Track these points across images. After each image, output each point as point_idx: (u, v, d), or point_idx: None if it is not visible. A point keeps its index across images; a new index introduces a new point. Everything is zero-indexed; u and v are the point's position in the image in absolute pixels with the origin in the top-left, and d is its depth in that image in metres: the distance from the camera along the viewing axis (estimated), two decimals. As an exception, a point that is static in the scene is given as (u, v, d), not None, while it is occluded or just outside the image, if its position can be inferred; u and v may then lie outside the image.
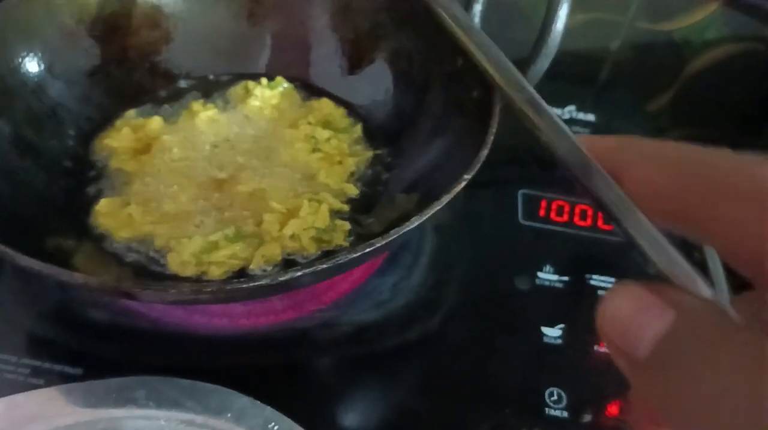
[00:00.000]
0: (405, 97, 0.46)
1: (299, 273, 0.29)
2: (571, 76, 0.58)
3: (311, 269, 0.29)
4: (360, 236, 0.40)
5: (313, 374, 0.40)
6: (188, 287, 0.29)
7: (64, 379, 0.36)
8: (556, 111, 0.54)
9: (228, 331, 0.40)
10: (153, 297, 0.30)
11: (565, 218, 0.48)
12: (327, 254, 0.39)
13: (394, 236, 0.30)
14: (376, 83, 0.47)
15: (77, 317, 0.39)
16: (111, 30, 0.46)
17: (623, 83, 0.59)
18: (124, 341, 0.38)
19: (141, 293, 0.29)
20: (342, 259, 0.29)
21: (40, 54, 0.43)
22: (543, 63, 0.37)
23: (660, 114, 0.60)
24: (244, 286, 0.28)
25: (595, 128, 0.54)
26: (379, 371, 0.40)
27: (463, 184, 0.33)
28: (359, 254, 0.30)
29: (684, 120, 0.61)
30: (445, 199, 0.32)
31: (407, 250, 0.45)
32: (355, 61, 0.48)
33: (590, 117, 0.55)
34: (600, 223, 0.47)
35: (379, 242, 0.30)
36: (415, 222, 0.31)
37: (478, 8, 0.43)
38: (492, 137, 0.36)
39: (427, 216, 0.31)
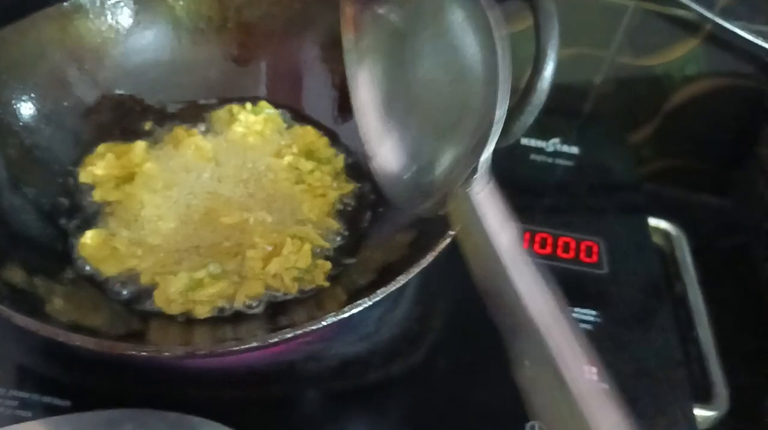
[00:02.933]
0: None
1: (289, 334, 0.31)
2: (556, 110, 0.59)
3: (302, 331, 0.31)
4: (340, 275, 0.41)
5: (299, 407, 0.41)
6: (182, 351, 0.31)
7: (53, 411, 0.37)
8: (540, 144, 0.56)
9: (214, 364, 0.40)
10: (147, 357, 0.31)
11: (548, 250, 0.49)
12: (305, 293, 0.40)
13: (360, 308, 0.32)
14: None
15: (66, 350, 0.39)
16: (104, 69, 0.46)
17: (606, 116, 0.60)
18: (112, 374, 0.39)
19: (137, 356, 0.29)
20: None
21: (34, 96, 0.43)
22: (528, 118, 0.38)
23: (642, 146, 0.61)
24: (234, 348, 0.30)
25: (578, 160, 0.55)
26: (365, 403, 0.41)
27: (448, 240, 0.34)
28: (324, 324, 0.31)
29: (665, 152, 0.62)
30: (430, 257, 0.33)
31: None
32: (347, 96, 0.48)
33: (574, 149, 0.56)
34: (582, 256, 0.48)
35: (346, 313, 0.32)
36: (380, 295, 0.32)
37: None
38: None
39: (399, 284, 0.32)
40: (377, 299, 0.32)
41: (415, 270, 0.33)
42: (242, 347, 0.31)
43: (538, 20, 0.37)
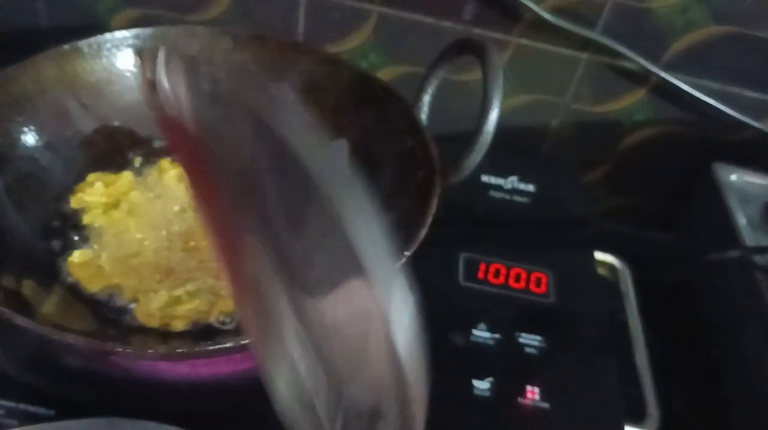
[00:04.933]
0: (359, 171, 0.51)
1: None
2: (515, 149, 0.64)
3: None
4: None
5: (272, 421, 0.44)
6: (163, 349, 0.36)
7: (37, 420, 0.40)
8: (499, 181, 0.60)
9: (192, 378, 0.44)
10: (131, 355, 0.34)
11: (501, 280, 0.53)
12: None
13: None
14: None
15: (51, 360, 0.43)
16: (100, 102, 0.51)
17: (562, 157, 0.65)
18: (95, 385, 0.42)
19: (123, 352, 0.33)
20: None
21: (34, 129, 0.48)
22: (476, 157, 0.43)
23: (595, 185, 0.66)
24: (209, 348, 0.34)
25: (534, 197, 0.60)
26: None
27: (402, 260, 0.37)
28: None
29: (616, 191, 0.67)
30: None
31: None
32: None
33: (530, 187, 0.60)
34: (532, 286, 0.53)
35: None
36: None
37: (426, 99, 0.48)
38: (431, 218, 0.41)
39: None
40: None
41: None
42: (216, 347, 0.35)
43: (486, 73, 0.42)
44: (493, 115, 0.42)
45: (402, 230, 0.44)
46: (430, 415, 0.44)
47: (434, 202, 0.42)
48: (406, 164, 0.48)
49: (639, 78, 0.60)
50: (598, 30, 0.57)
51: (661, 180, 0.65)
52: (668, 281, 0.60)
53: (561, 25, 0.56)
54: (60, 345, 0.41)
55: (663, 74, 0.58)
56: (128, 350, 0.34)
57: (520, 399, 0.46)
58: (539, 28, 0.58)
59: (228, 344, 0.35)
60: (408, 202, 0.46)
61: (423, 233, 0.41)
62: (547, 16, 0.56)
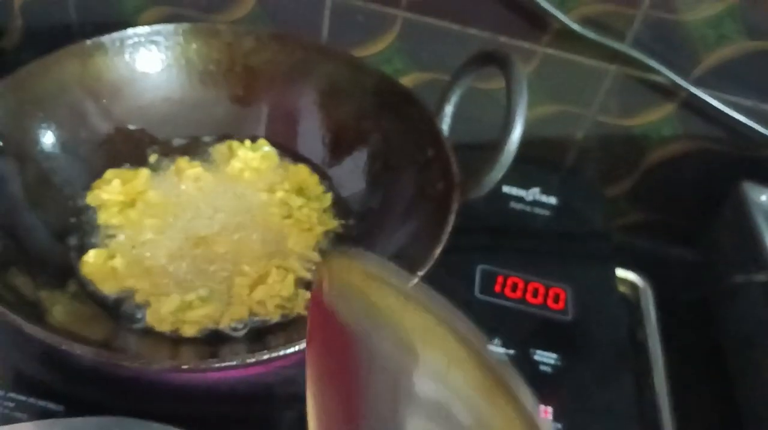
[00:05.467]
0: (378, 178, 0.51)
1: (265, 357, 0.35)
2: (538, 161, 0.63)
3: (276, 354, 0.36)
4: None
5: (277, 425, 0.43)
6: (168, 365, 0.36)
7: (46, 415, 0.40)
8: (521, 193, 0.59)
9: (198, 381, 0.43)
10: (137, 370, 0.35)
11: (519, 294, 0.52)
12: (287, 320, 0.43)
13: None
14: (354, 160, 0.52)
15: (63, 358, 0.43)
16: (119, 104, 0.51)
17: (586, 170, 0.63)
18: (105, 384, 0.42)
19: (130, 366, 0.33)
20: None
21: (54, 126, 0.48)
22: (497, 174, 0.42)
23: (618, 200, 0.65)
24: (215, 365, 0.35)
25: (556, 210, 0.59)
26: None
27: (415, 280, 0.37)
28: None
29: (640, 206, 0.65)
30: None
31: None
32: (338, 140, 0.53)
33: (552, 200, 0.59)
34: (549, 301, 0.51)
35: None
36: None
37: (449, 110, 0.48)
38: (447, 235, 0.41)
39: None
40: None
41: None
42: (222, 364, 0.35)
43: (510, 87, 0.41)
44: (517, 131, 0.41)
45: (419, 242, 0.43)
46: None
47: (451, 219, 0.42)
48: (426, 174, 0.47)
49: (668, 92, 0.58)
50: (628, 42, 0.56)
51: (688, 197, 0.64)
52: (690, 300, 0.59)
53: (588, 36, 0.55)
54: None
55: (693, 89, 0.57)
56: (134, 365, 0.34)
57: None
58: (567, 38, 0.56)
59: (233, 362, 0.35)
60: (426, 214, 0.45)
61: (438, 251, 0.40)
62: (574, 26, 0.55)
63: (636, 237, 0.65)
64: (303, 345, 0.36)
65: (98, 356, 0.34)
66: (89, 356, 0.34)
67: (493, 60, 0.44)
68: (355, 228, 0.50)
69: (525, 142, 0.64)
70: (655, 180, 0.63)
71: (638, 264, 0.59)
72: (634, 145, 0.62)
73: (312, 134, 0.54)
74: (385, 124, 0.51)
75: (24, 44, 0.67)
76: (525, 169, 0.63)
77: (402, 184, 0.49)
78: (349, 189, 0.52)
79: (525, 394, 0.21)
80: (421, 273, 0.39)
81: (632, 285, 0.57)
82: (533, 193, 0.60)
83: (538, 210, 0.59)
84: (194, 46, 0.53)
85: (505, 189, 0.60)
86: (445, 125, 0.49)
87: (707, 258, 0.62)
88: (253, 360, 0.35)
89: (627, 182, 0.64)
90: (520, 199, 0.59)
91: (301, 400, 0.45)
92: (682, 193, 0.64)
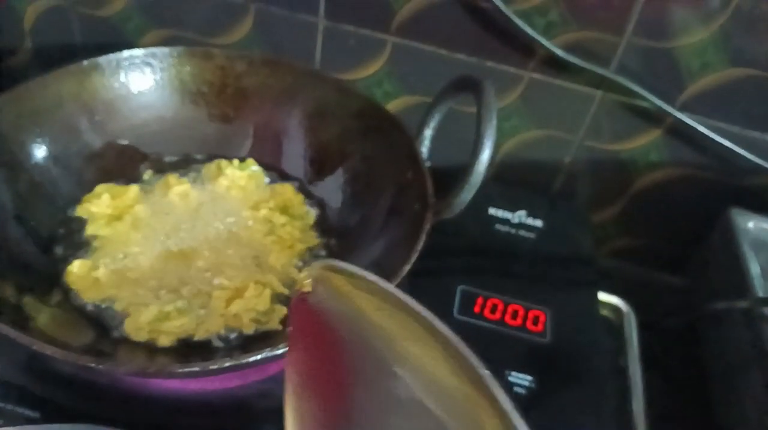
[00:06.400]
0: (358, 197, 0.52)
1: (227, 364, 0.36)
2: (525, 184, 0.63)
3: (235, 362, 0.36)
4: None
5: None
6: (134, 367, 0.37)
7: (23, 421, 0.42)
8: (507, 215, 0.60)
9: (176, 393, 0.44)
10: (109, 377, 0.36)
11: (498, 315, 0.52)
12: (261, 334, 0.44)
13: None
14: (336, 179, 0.54)
15: (42, 365, 0.44)
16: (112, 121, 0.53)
17: (573, 194, 0.64)
18: (82, 392, 0.43)
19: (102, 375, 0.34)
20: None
21: (48, 140, 0.50)
22: (467, 195, 0.43)
23: (606, 225, 0.65)
24: (178, 370, 0.36)
25: (541, 233, 0.59)
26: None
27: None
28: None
29: (628, 232, 0.66)
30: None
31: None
32: (322, 159, 0.54)
33: (538, 223, 0.60)
34: (528, 324, 0.52)
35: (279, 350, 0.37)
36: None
37: (428, 133, 0.49)
38: (416, 255, 0.42)
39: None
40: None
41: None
42: (184, 370, 0.36)
43: (480, 111, 0.42)
44: (485, 155, 0.42)
45: (391, 258, 0.44)
46: None
47: (422, 237, 0.43)
48: (404, 195, 0.48)
49: (654, 118, 0.59)
50: (612, 68, 0.57)
51: (675, 223, 0.64)
52: (674, 327, 0.59)
53: (573, 61, 0.56)
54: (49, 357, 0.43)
55: (679, 115, 0.57)
56: (100, 367, 0.35)
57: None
58: (553, 63, 0.58)
59: (195, 368, 0.35)
60: (402, 232, 0.46)
61: (407, 268, 0.41)
62: (559, 52, 0.56)
63: (623, 262, 0.66)
64: (264, 355, 0.37)
65: (67, 358, 0.35)
66: (60, 358, 0.35)
67: (467, 85, 0.45)
68: (337, 246, 0.51)
69: (513, 166, 0.65)
70: (643, 206, 0.64)
71: (623, 289, 0.59)
72: (621, 170, 0.62)
73: (297, 154, 0.56)
74: (368, 145, 0.53)
75: (31, 63, 0.69)
76: (513, 192, 0.64)
77: (381, 203, 0.50)
78: (330, 207, 0.53)
79: (501, 392, 0.22)
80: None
81: (616, 309, 0.58)
82: (519, 216, 0.61)
83: (523, 233, 0.60)
84: (188, 68, 0.55)
85: (492, 211, 0.60)
86: (425, 148, 0.51)
87: (693, 284, 0.61)
88: (215, 367, 0.36)
89: (615, 207, 0.64)
90: (506, 222, 0.60)
91: (277, 413, 0.46)
92: (669, 219, 0.64)
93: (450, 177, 0.47)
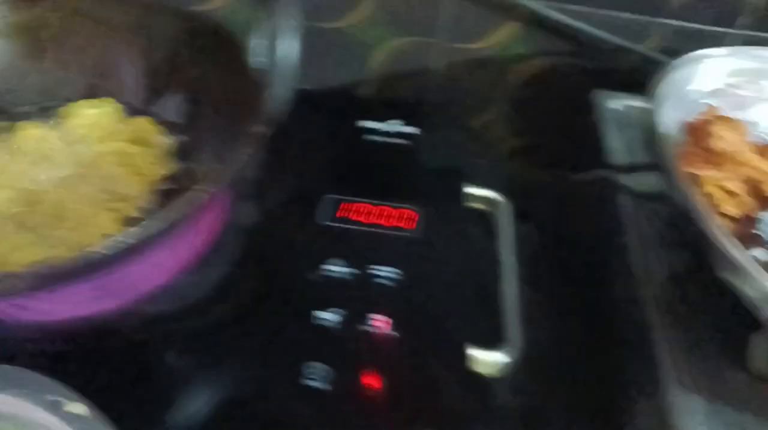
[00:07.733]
0: (198, 116, 0.53)
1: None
2: (396, 95, 0.64)
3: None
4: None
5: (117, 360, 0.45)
6: None
7: None
8: (382, 126, 0.60)
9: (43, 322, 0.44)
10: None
11: (367, 218, 0.53)
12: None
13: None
14: (177, 104, 0.55)
15: None
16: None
17: (448, 99, 0.64)
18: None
19: None
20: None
21: None
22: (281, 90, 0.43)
23: (487, 128, 0.65)
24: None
25: (416, 140, 0.59)
26: (182, 355, 0.45)
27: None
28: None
29: (512, 131, 0.66)
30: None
31: (217, 249, 0.50)
32: (158, 84, 0.55)
33: (414, 130, 0.60)
34: (400, 222, 0.53)
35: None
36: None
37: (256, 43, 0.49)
38: (247, 156, 0.42)
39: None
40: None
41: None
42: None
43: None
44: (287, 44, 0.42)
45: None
46: (282, 345, 0.44)
47: (254, 142, 0.43)
48: (239, 109, 0.48)
49: (509, 10, 0.59)
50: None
51: (551, 116, 0.64)
52: (547, 213, 0.59)
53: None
54: None
55: (530, 4, 0.57)
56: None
57: (371, 329, 0.46)
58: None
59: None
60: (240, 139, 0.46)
61: (233, 172, 0.42)
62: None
63: (509, 161, 0.66)
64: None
65: None
66: None
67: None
68: (195, 172, 0.52)
69: (386, 78, 0.65)
70: (520, 104, 0.64)
71: (504, 187, 0.59)
72: (488, 69, 0.62)
73: (135, 84, 0.56)
74: (204, 64, 0.53)
75: None
76: (387, 103, 0.64)
77: (218, 121, 0.50)
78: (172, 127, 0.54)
79: None
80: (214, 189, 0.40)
81: (489, 201, 0.58)
82: (394, 125, 0.61)
83: (398, 141, 0.60)
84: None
85: (361, 123, 0.61)
86: (258, 59, 0.51)
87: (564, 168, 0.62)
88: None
89: (493, 110, 0.65)
90: (378, 132, 0.60)
91: (147, 333, 0.46)
92: (545, 112, 0.64)
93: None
